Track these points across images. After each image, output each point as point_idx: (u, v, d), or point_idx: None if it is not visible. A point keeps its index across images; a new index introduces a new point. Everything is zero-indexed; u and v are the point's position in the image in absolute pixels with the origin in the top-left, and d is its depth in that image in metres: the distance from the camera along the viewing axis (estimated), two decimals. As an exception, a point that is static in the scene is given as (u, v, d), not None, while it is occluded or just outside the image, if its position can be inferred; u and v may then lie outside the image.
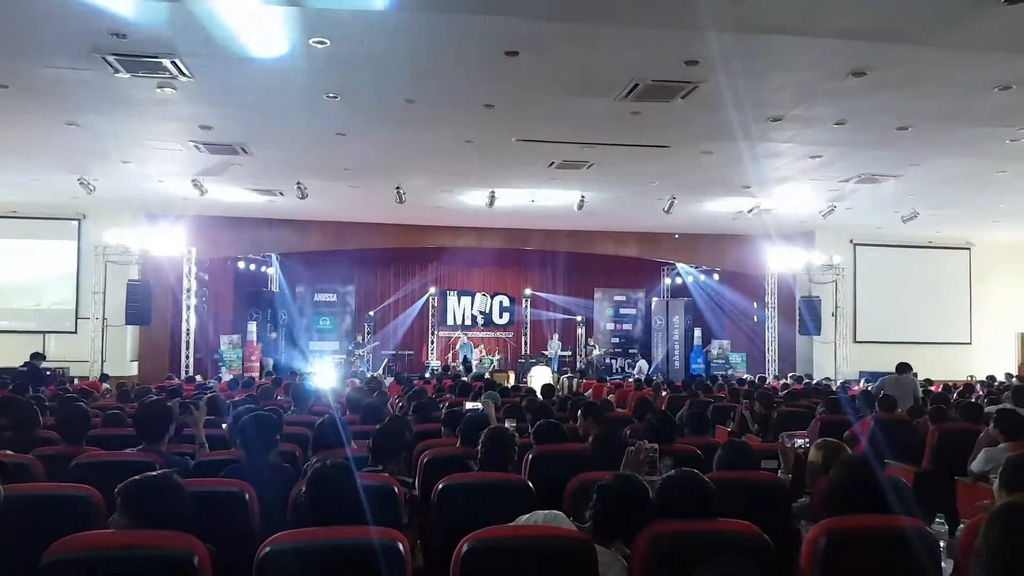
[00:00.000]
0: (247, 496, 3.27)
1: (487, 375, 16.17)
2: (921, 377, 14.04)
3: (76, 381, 12.78)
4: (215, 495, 3.27)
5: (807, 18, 6.11)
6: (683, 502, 2.61)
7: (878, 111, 8.47)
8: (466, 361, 18.68)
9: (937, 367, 15.54)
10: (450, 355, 20.11)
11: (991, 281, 18.01)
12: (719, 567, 2.02)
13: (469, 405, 6.25)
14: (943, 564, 2.74)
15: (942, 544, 2.82)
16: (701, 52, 6.77)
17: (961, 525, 2.94)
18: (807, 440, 3.93)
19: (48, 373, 12.49)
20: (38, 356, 11.92)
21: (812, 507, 3.29)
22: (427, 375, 16.65)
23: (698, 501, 2.61)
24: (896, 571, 2.59)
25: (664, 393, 10.68)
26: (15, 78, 7.78)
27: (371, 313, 20.27)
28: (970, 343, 17.94)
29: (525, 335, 21.28)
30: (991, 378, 13.91)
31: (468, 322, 21.07)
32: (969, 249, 18.08)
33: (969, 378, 14.58)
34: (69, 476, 3.77)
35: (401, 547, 2.47)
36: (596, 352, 20.47)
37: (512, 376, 18.14)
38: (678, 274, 21.19)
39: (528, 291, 21.24)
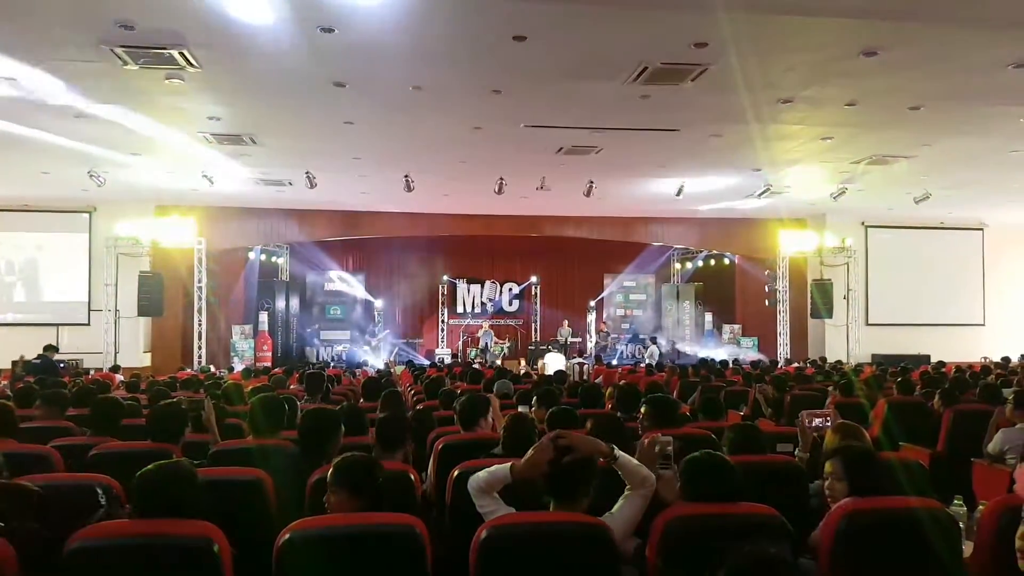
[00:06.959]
0: (263, 483, 3.28)
1: (498, 363, 16.21)
2: (934, 359, 14.01)
3: (91, 373, 12.87)
4: (232, 483, 3.28)
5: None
6: (709, 485, 2.61)
7: (890, 91, 8.38)
8: (486, 350, 18.75)
9: (950, 349, 15.48)
10: (460, 343, 20.15)
11: (1004, 262, 17.89)
12: (748, 552, 2.00)
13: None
14: (963, 546, 2.74)
15: (961, 526, 2.81)
16: (710, 34, 6.71)
17: (980, 507, 2.92)
18: (827, 419, 3.91)
19: (61, 365, 12.58)
20: (51, 348, 12.02)
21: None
22: (438, 363, 16.69)
23: (725, 484, 2.61)
24: (916, 553, 2.58)
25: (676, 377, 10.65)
26: (24, 71, 7.78)
27: (380, 302, 20.31)
28: (983, 324, 17.85)
29: (535, 322, 21.29)
30: (1006, 359, 13.83)
31: (478, 310, 21.11)
32: (982, 230, 17.93)
33: (983, 359, 14.49)
34: (87, 466, 3.79)
35: (420, 533, 2.47)
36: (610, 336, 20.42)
37: (523, 363, 18.17)
38: (688, 259, 21.14)
39: (536, 278, 21.22)
